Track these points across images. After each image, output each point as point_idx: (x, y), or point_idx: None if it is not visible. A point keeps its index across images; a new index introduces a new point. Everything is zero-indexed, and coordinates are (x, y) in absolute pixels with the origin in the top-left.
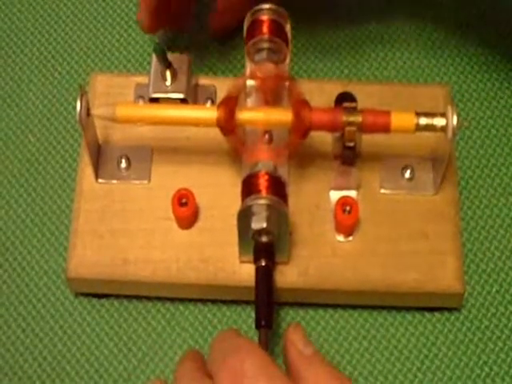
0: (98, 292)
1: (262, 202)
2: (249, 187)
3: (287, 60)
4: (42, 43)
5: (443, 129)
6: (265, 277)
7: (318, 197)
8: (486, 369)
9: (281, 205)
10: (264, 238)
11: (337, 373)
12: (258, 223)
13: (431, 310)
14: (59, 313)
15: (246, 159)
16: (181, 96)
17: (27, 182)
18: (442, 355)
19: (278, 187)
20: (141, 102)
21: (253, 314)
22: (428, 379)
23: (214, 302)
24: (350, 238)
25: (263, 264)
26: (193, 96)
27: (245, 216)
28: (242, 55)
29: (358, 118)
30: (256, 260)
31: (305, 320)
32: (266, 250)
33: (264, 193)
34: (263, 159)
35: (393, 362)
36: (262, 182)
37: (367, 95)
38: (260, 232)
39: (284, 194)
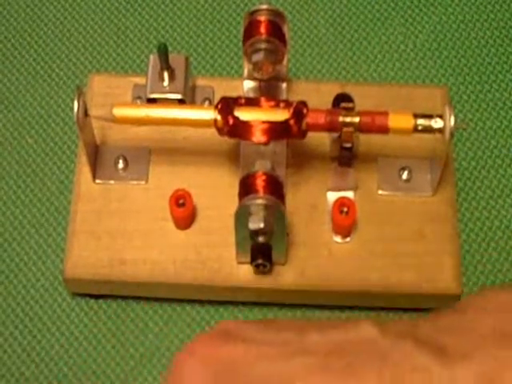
0: (95, 292)
1: (260, 202)
2: (246, 187)
3: (285, 61)
4: (40, 44)
5: (441, 130)
6: None
7: (316, 197)
8: None
9: (278, 205)
10: (261, 239)
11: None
12: (256, 223)
13: (428, 311)
14: (56, 313)
15: (244, 159)
16: (178, 96)
17: (25, 182)
18: None
19: (275, 187)
20: (139, 103)
21: (250, 315)
22: None
23: (211, 302)
24: (348, 239)
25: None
26: (190, 96)
27: (242, 216)
28: (240, 56)
29: (356, 119)
30: (253, 260)
31: None
32: (264, 250)
33: (261, 193)
34: (261, 159)
35: None
36: (260, 182)
37: (365, 96)
38: (257, 232)
39: (281, 195)
